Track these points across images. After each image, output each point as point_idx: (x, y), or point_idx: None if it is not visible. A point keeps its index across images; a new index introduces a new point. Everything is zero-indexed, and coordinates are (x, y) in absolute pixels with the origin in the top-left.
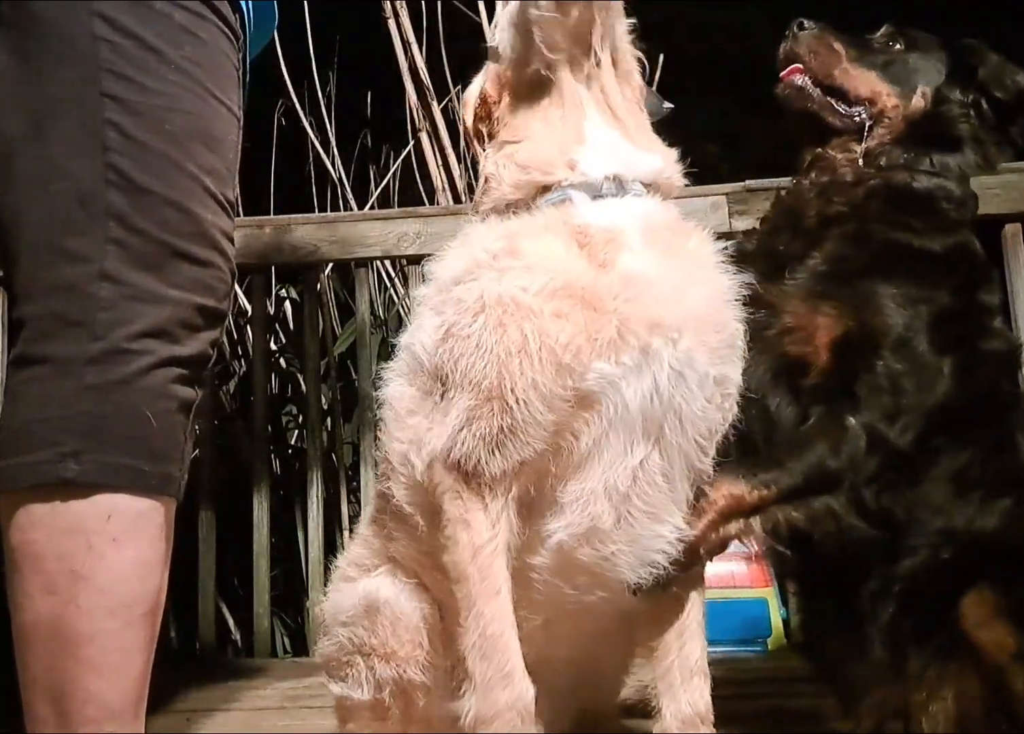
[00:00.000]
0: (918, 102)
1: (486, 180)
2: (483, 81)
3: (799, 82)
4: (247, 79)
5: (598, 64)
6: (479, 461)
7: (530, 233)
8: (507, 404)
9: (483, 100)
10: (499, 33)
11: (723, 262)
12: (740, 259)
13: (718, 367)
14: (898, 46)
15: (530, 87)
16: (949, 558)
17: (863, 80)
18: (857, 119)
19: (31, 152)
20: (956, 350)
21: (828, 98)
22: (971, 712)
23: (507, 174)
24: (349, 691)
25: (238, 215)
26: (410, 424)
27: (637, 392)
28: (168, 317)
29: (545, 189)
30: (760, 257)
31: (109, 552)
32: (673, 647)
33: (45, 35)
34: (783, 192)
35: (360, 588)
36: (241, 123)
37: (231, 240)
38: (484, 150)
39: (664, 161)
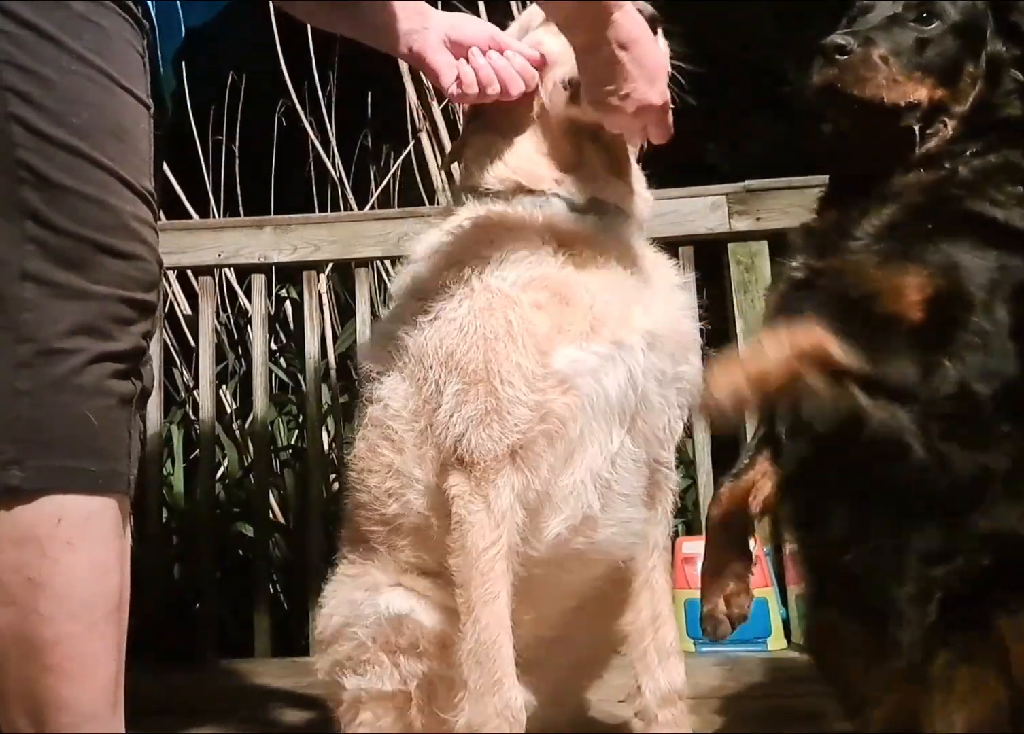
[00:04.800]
0: (966, 88)
1: (467, 164)
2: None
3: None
4: (160, 71)
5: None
6: (471, 444)
7: (510, 226)
8: (492, 386)
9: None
10: (550, 88)
11: (679, 284)
12: (803, 237)
13: (679, 367)
14: (934, 23)
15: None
16: (990, 565)
17: (910, 88)
18: (911, 123)
19: None
20: None
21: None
22: (996, 724)
23: (493, 169)
24: (369, 684)
25: (238, 214)
26: (417, 427)
27: (615, 382)
28: (96, 313)
29: (529, 191)
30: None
31: (63, 556)
32: (648, 631)
33: None
34: None
35: (381, 602)
36: (152, 111)
37: (154, 230)
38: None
39: (643, 203)
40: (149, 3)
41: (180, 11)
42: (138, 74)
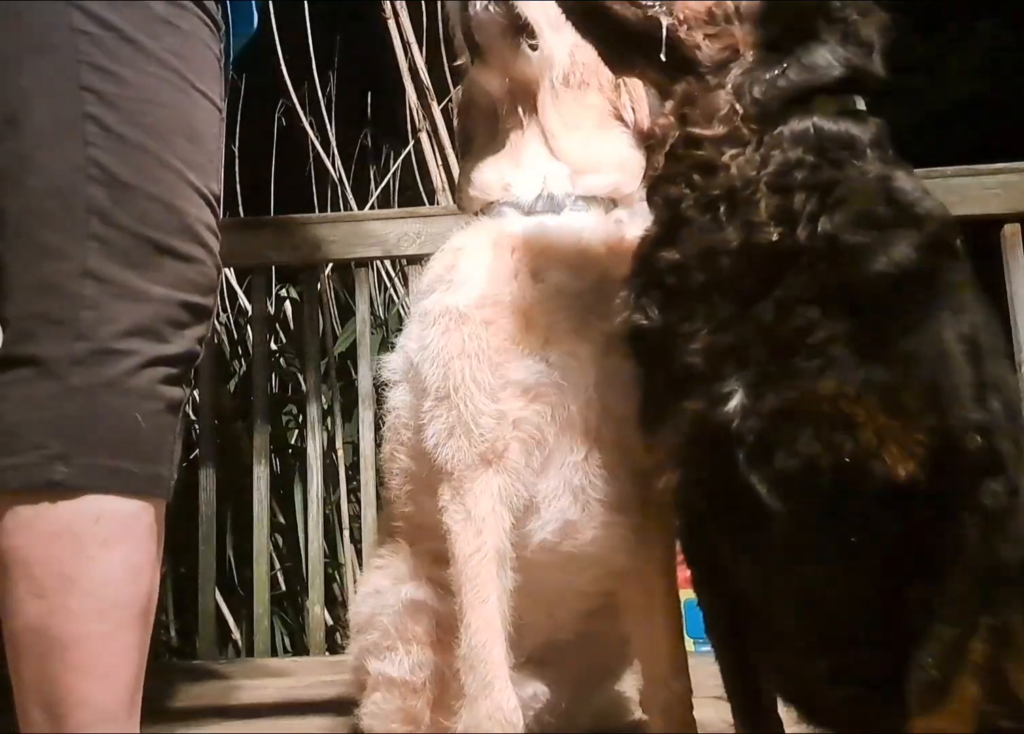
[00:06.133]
0: None
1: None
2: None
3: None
4: (229, 73)
5: (540, 104)
6: (444, 456)
7: (469, 247)
8: (454, 402)
9: (463, 108)
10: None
11: None
12: None
13: None
14: None
15: (487, 111)
16: None
17: None
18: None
19: (7, 146)
20: None
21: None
22: None
23: (468, 189)
24: (387, 669)
25: (238, 215)
26: (419, 437)
27: (573, 392)
28: (153, 315)
29: (490, 205)
30: None
31: (99, 555)
32: (651, 631)
33: (21, 26)
34: None
35: (403, 591)
36: (223, 115)
37: (216, 234)
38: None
39: (612, 177)
40: (228, 3)
41: (254, 7)
42: (214, 77)
